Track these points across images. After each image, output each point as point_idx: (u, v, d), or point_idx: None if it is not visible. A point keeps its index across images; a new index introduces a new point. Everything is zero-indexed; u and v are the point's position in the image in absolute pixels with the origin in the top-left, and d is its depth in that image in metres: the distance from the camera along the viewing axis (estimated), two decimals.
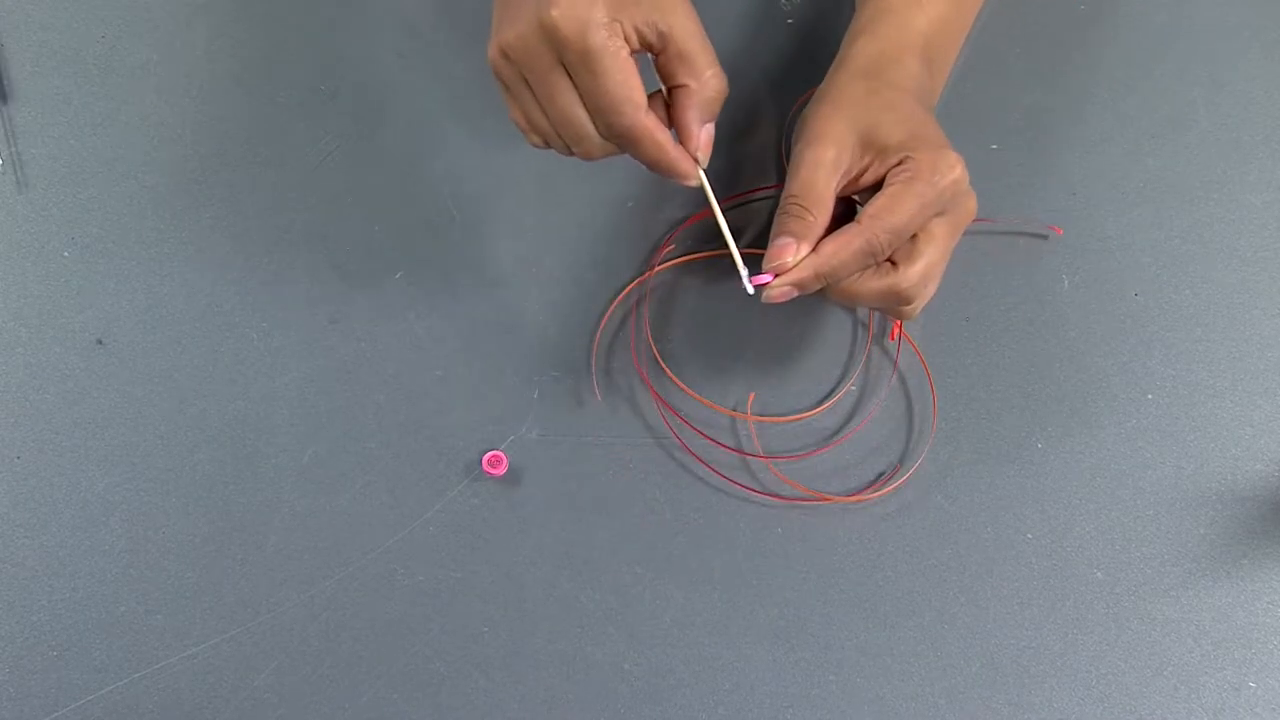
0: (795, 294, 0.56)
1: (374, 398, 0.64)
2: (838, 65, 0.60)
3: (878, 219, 0.54)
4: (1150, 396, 0.65)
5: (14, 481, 0.62)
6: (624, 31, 0.51)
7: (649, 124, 0.53)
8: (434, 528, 0.63)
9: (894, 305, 0.57)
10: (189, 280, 0.65)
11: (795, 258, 0.55)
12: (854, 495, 0.63)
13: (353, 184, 0.66)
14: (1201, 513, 0.64)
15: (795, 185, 0.56)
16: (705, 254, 0.66)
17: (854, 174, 0.56)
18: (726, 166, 0.67)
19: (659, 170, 0.55)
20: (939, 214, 0.55)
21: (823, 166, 0.56)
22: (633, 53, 0.52)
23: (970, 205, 0.57)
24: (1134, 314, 0.66)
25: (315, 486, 0.63)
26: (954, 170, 0.55)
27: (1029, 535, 0.63)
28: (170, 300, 0.65)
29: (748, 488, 0.63)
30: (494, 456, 0.62)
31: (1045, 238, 0.67)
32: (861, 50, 0.60)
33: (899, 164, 0.55)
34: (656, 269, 0.65)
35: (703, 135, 0.55)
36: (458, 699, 0.61)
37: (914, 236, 0.55)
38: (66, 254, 0.65)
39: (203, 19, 0.68)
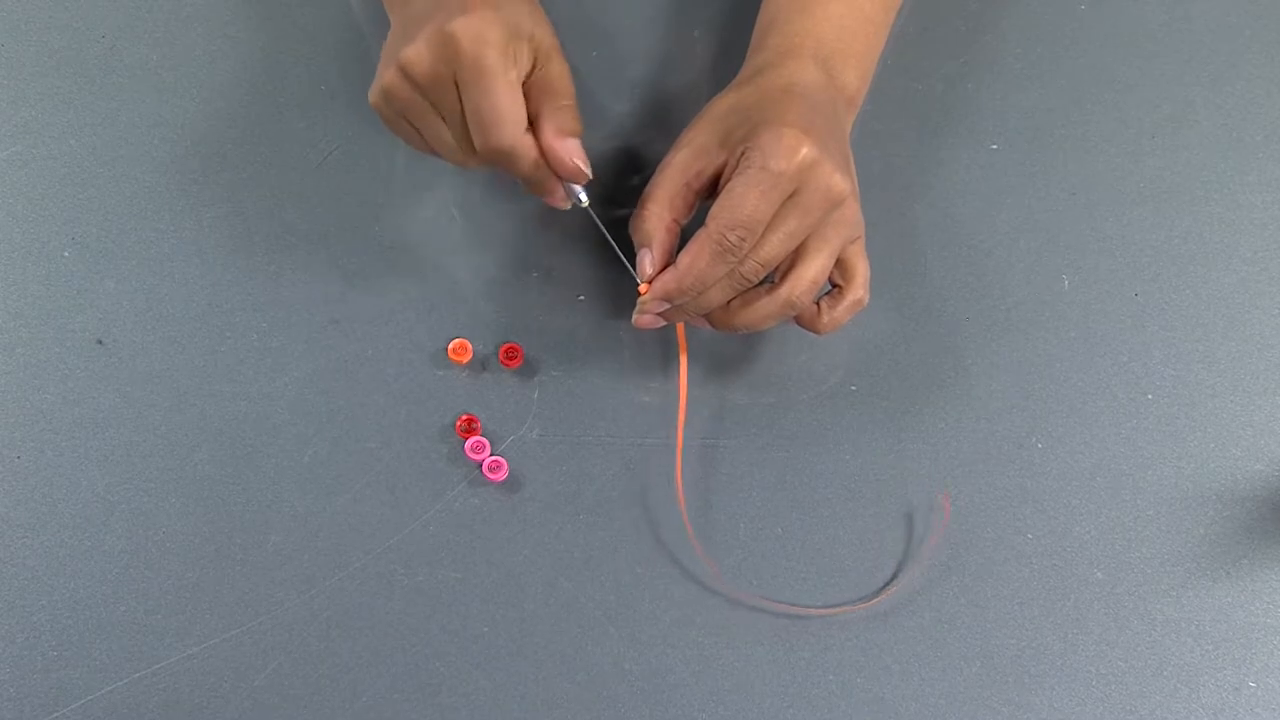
0: (662, 321, 0.58)
1: (374, 398, 0.64)
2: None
3: (718, 218, 0.54)
4: (1150, 396, 0.65)
5: (14, 481, 0.62)
6: (516, 59, 0.54)
7: (527, 142, 0.55)
8: (434, 528, 0.63)
9: (804, 321, 0.58)
10: (189, 280, 0.65)
11: (653, 268, 0.56)
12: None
13: (353, 184, 0.66)
14: (1201, 513, 0.64)
15: (645, 189, 0.57)
16: None
17: (708, 172, 0.56)
18: None
19: (537, 191, 0.58)
20: (794, 196, 0.54)
21: (670, 167, 0.57)
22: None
23: (823, 182, 0.54)
24: (1134, 314, 0.66)
25: (315, 486, 0.63)
26: (795, 153, 0.53)
27: (1029, 535, 0.63)
28: (170, 300, 0.65)
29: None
30: (494, 462, 0.62)
31: (1046, 237, 0.67)
32: (748, 66, 0.60)
33: (741, 155, 0.54)
34: None
35: (571, 152, 0.56)
36: (458, 699, 0.61)
37: (799, 247, 0.55)
38: (66, 254, 0.65)
39: (203, 19, 0.68)
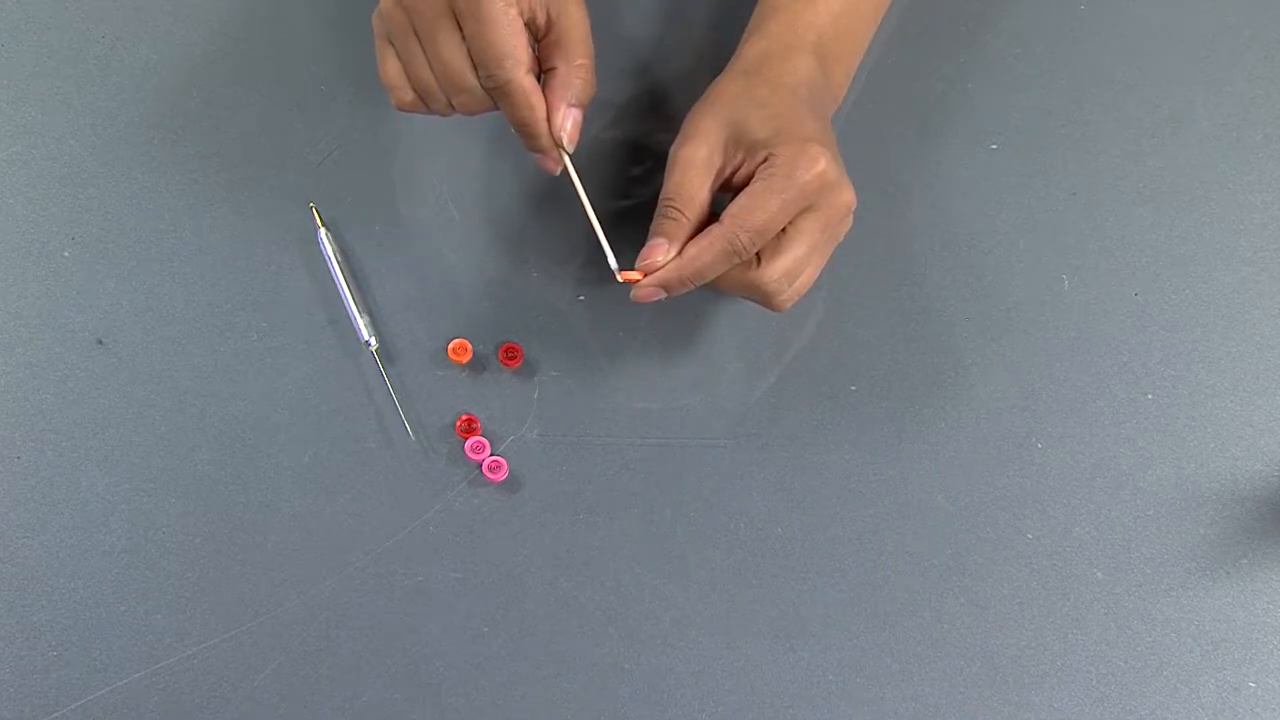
0: (662, 294, 0.57)
1: (374, 398, 0.64)
2: (727, 65, 0.60)
3: (738, 219, 0.54)
4: (1150, 396, 0.65)
5: (14, 481, 0.62)
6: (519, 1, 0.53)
7: (526, 83, 0.54)
8: (434, 528, 0.63)
9: (759, 299, 0.57)
10: (189, 280, 0.65)
11: (665, 258, 0.56)
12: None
13: (353, 184, 0.66)
14: (1201, 513, 0.64)
15: (669, 186, 0.56)
16: None
17: (726, 172, 0.56)
18: None
19: (526, 137, 0.56)
20: (808, 209, 0.55)
21: (694, 166, 0.56)
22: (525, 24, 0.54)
23: (842, 199, 0.56)
24: (1134, 314, 0.66)
25: (315, 486, 0.63)
26: (816, 165, 0.54)
27: (1029, 535, 0.63)
28: (170, 300, 0.65)
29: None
30: (494, 462, 0.62)
31: (1046, 237, 0.67)
32: (749, 49, 0.60)
33: (764, 161, 0.55)
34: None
35: (568, 118, 0.55)
36: (458, 699, 0.61)
37: (783, 231, 0.55)
38: (66, 254, 0.65)
39: (203, 19, 0.68)
